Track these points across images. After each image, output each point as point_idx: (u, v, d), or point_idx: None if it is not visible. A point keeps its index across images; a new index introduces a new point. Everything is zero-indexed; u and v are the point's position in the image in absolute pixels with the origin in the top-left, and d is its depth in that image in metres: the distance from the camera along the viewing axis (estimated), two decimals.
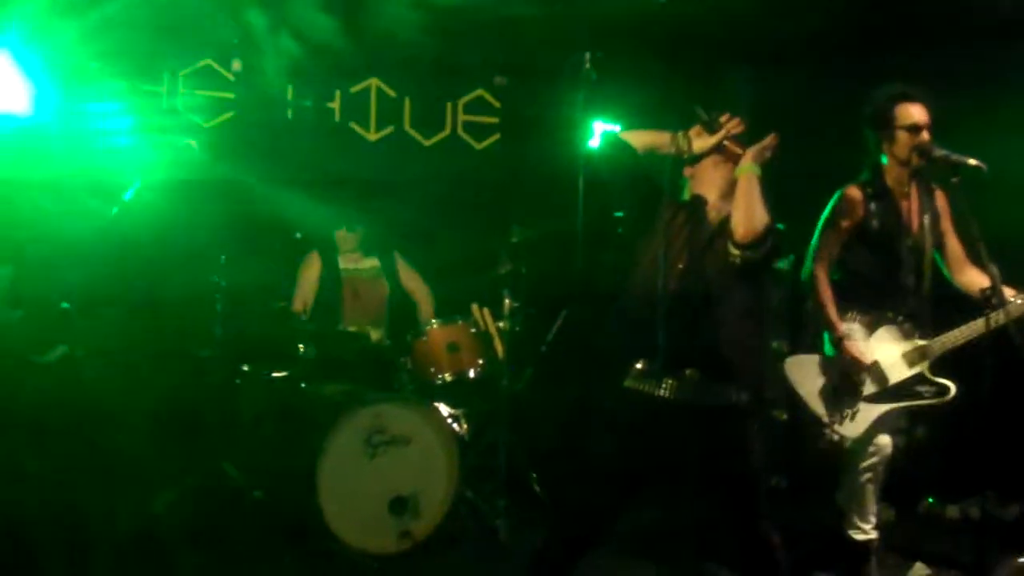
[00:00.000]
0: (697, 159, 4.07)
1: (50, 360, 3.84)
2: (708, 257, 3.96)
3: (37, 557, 4.04)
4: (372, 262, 6.16)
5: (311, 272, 6.01)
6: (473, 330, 5.92)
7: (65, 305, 3.99)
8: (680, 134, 4.04)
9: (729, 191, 3.99)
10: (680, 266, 3.94)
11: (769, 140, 3.96)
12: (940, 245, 4.87)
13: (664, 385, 3.88)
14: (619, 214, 6.98)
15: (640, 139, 4.12)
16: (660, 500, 5.36)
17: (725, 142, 4.01)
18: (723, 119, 4.01)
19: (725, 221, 3.96)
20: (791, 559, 5.11)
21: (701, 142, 4.03)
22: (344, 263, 6.06)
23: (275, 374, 5.69)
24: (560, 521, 4.21)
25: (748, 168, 3.95)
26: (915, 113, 4.71)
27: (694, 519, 5.34)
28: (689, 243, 3.97)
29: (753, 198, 3.90)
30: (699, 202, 4.06)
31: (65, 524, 4.20)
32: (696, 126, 4.05)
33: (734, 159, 4.00)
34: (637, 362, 3.93)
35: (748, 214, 3.88)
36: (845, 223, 4.81)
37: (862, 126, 4.88)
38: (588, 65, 5.77)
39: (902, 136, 4.71)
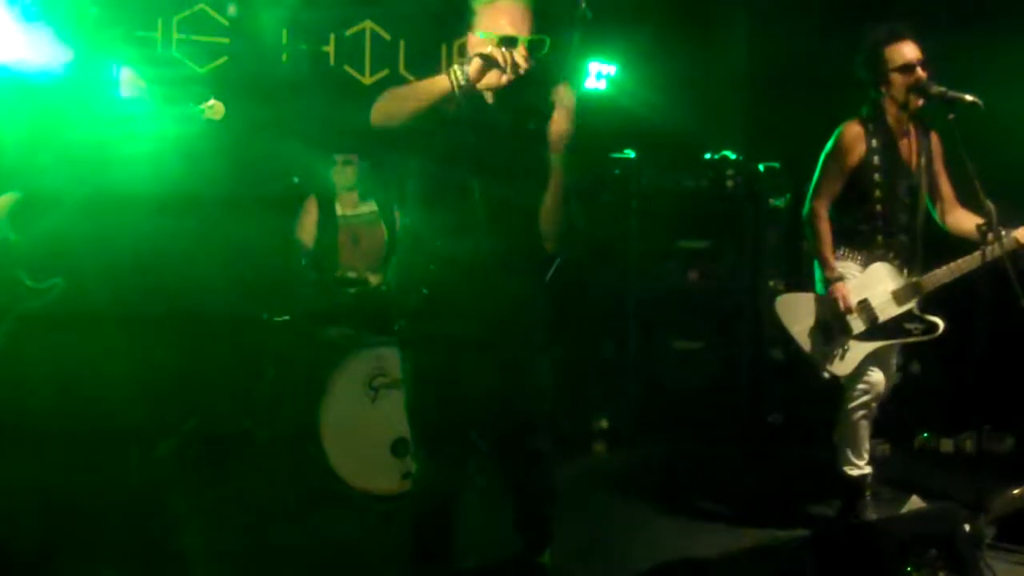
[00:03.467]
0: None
1: (43, 287, 3.86)
2: None
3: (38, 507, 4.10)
4: (370, 207, 6.16)
5: (309, 219, 6.02)
6: None
7: (58, 280, 3.99)
8: (454, 71, 3.40)
9: None
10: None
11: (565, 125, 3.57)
12: (932, 186, 4.88)
13: None
14: (615, 155, 7.03)
15: (403, 104, 3.54)
16: None
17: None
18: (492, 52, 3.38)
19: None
20: (789, 495, 5.25)
21: (489, 78, 3.42)
22: (342, 209, 6.06)
23: (277, 319, 5.73)
24: None
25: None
26: (907, 52, 4.67)
27: None
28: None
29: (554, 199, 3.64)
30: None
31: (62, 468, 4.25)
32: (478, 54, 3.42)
33: None
34: None
35: (547, 217, 3.64)
36: (847, 159, 4.80)
37: (856, 72, 4.86)
38: (584, 4, 5.73)
39: (896, 78, 4.69)
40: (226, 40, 6.73)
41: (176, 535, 4.42)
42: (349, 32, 7.05)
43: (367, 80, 7.08)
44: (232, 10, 6.65)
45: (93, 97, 4.02)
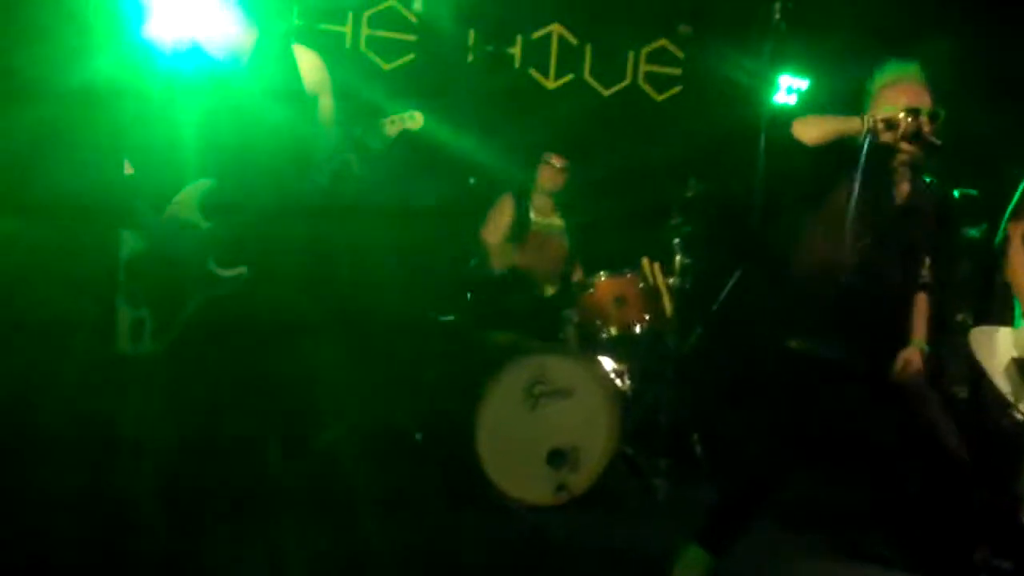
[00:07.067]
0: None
1: (230, 276, 3.89)
2: (892, 238, 3.94)
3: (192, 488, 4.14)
4: (560, 220, 6.09)
5: (502, 218, 5.94)
6: (641, 284, 5.80)
7: (243, 269, 4.03)
8: (868, 118, 3.86)
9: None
10: (866, 242, 3.88)
11: None
12: None
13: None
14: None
15: (820, 128, 3.93)
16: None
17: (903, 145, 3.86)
18: (900, 117, 3.83)
19: (910, 204, 3.99)
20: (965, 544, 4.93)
21: (887, 136, 3.86)
22: (537, 215, 5.99)
23: (442, 318, 5.72)
24: (731, 483, 4.18)
25: None
26: None
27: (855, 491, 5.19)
28: (874, 223, 3.88)
29: None
30: (884, 184, 3.96)
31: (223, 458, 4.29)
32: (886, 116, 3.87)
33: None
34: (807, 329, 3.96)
35: None
36: None
37: None
38: (778, 15, 5.52)
39: None
40: (413, 38, 6.77)
41: (327, 529, 4.41)
42: (536, 35, 7.00)
43: (551, 84, 7.03)
44: (418, 6, 6.68)
45: (280, 93, 4.00)
